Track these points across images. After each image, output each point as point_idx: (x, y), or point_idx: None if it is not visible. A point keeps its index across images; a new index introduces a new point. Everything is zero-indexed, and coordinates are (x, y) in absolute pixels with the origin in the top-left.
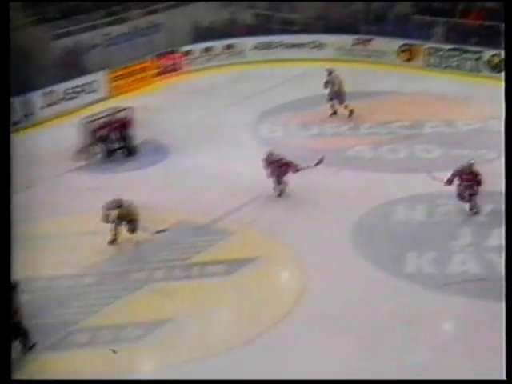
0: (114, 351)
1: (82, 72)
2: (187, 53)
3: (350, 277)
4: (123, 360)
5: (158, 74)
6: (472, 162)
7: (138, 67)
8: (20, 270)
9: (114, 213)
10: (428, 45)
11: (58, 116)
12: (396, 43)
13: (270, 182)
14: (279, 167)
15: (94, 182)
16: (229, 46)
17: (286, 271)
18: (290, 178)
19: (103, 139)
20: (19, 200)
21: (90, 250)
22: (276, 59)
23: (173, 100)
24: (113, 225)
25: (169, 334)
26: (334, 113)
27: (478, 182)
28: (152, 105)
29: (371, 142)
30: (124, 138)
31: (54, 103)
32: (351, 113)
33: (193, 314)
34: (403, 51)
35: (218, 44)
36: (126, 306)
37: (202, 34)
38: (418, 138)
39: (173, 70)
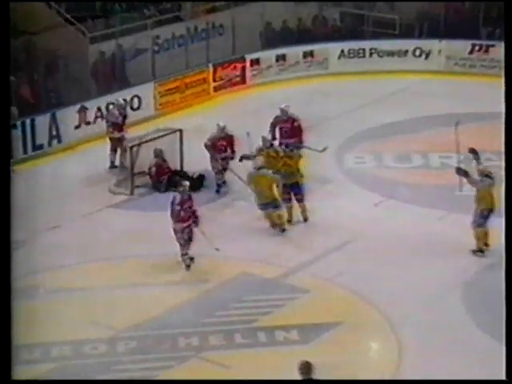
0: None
1: (124, 84)
2: (255, 61)
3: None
4: None
5: (218, 89)
6: None
7: (193, 79)
8: (37, 332)
9: None
10: None
11: (92, 138)
12: None
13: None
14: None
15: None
16: (307, 54)
17: (375, 341)
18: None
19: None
20: (41, 242)
21: (128, 308)
22: (368, 71)
23: (234, 121)
24: None
25: None
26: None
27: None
28: (208, 127)
29: None
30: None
31: (89, 122)
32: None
33: None
34: None
35: (295, 50)
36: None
37: (275, 37)
38: None
39: (236, 83)
